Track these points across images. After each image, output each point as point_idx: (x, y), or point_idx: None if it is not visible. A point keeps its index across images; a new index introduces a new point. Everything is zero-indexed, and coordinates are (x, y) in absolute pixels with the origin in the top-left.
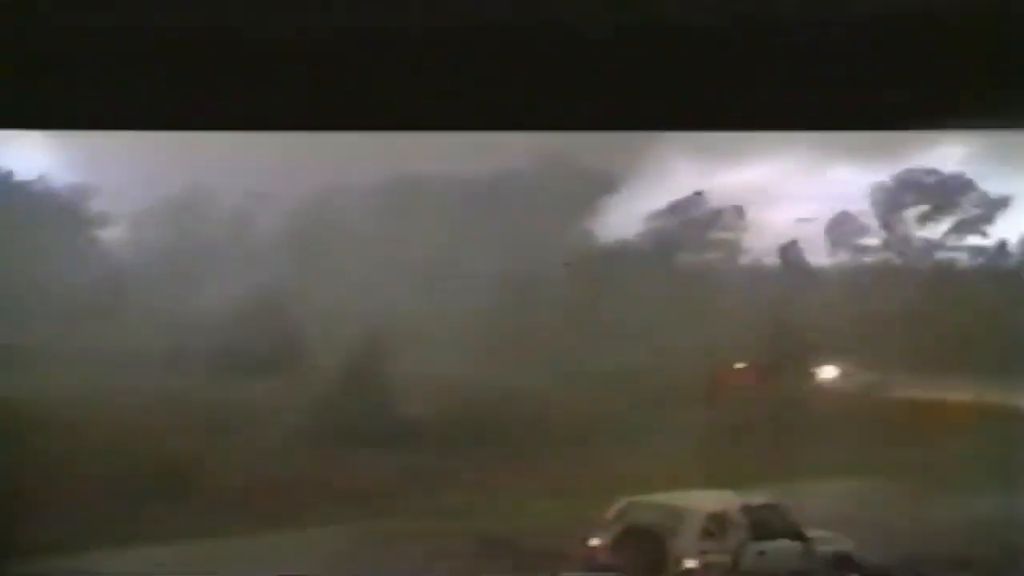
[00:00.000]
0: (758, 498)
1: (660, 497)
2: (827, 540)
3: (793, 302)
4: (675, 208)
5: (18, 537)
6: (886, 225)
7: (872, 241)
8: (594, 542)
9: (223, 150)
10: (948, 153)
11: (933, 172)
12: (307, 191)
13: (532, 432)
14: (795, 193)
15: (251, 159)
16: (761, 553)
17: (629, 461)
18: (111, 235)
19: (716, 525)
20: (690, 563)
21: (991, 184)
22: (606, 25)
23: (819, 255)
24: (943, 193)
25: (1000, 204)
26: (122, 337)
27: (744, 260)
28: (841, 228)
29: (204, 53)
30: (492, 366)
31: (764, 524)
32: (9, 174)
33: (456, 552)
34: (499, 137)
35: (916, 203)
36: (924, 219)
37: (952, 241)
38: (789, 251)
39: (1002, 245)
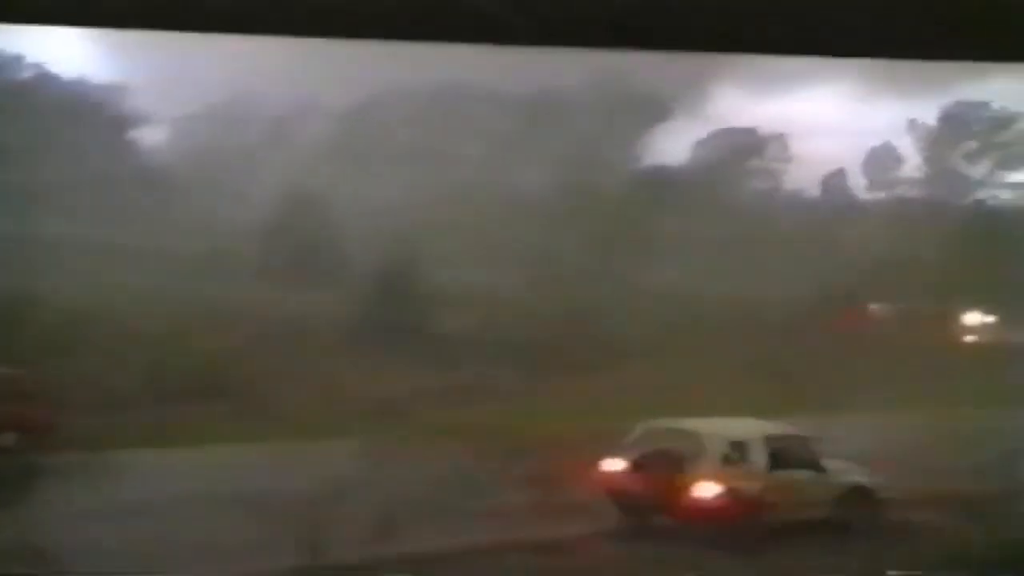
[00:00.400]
0: (780, 427)
1: (681, 422)
2: (843, 472)
3: (833, 233)
4: (721, 136)
5: (56, 433)
6: (929, 159)
7: (914, 175)
8: (612, 464)
9: (269, 56)
10: (998, 88)
11: (983, 105)
12: (350, 100)
13: (569, 351)
14: (840, 125)
15: (295, 67)
16: (779, 482)
17: (660, 383)
18: (153, 136)
19: (736, 452)
20: (709, 488)
21: None
22: None
23: (861, 188)
24: (991, 129)
25: None
26: (158, 238)
27: (787, 189)
28: (883, 162)
29: None
30: (527, 285)
31: (783, 454)
32: (48, 71)
33: (480, 467)
34: (548, 54)
35: (963, 138)
36: (970, 156)
37: (996, 178)
38: (832, 182)
39: None
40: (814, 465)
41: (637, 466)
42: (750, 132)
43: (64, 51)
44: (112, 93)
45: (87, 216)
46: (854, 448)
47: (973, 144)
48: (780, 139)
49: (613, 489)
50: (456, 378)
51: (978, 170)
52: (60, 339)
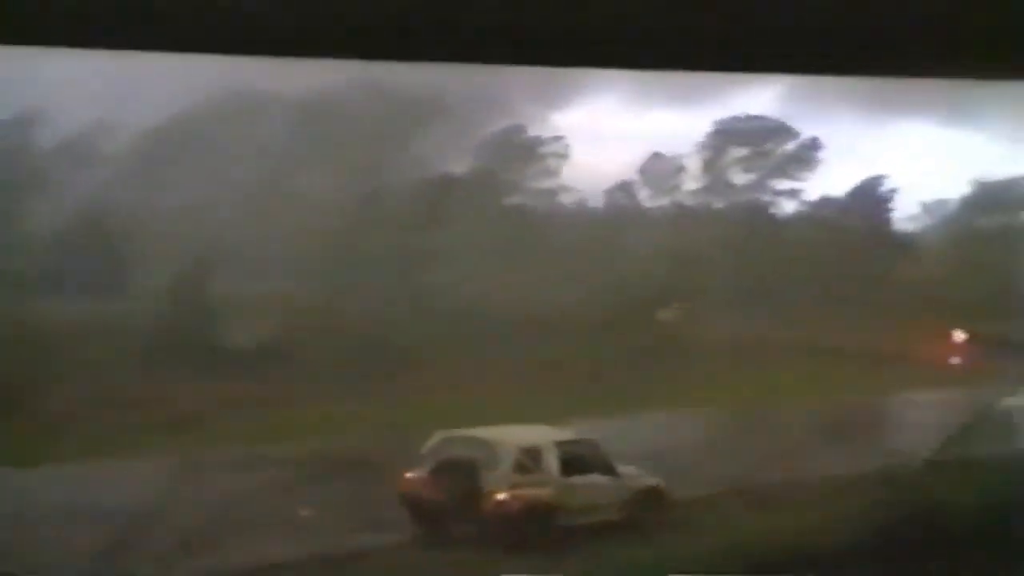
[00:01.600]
0: (571, 434)
1: (475, 431)
2: (635, 475)
3: (620, 241)
4: (499, 141)
5: None
6: (705, 168)
7: (691, 184)
8: (410, 474)
9: (58, 71)
10: (763, 96)
11: (754, 118)
12: (138, 115)
13: (357, 358)
14: (616, 133)
15: (87, 81)
16: (572, 487)
17: (447, 391)
18: None
19: (530, 459)
20: (504, 496)
21: (804, 128)
22: None
23: (640, 196)
24: (761, 137)
25: (813, 148)
26: None
27: (567, 198)
28: (660, 170)
29: None
30: (320, 294)
31: (576, 459)
32: None
33: (276, 479)
34: (327, 62)
35: (735, 147)
36: (742, 164)
37: (769, 185)
38: (613, 192)
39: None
40: (606, 469)
41: (433, 475)
42: (534, 140)
43: None
44: None
45: None
46: (646, 449)
47: (745, 153)
48: (562, 147)
49: (410, 498)
50: (253, 389)
51: (750, 177)
52: None
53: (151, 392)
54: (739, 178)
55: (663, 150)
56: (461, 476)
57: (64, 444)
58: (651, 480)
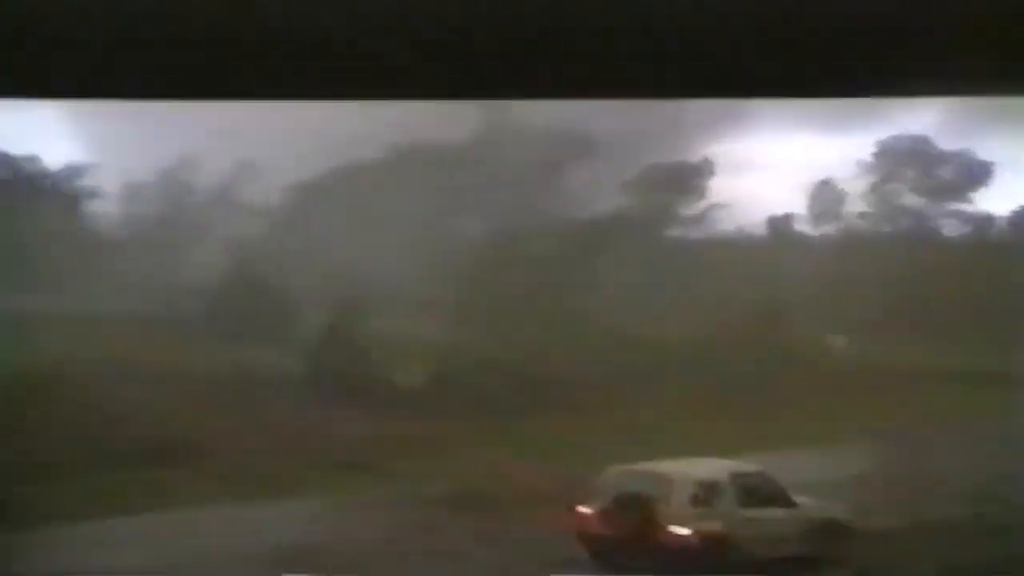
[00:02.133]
0: (747, 465)
1: (649, 465)
2: (815, 507)
3: (780, 270)
4: (660, 175)
5: (8, 507)
6: (870, 192)
7: (856, 208)
8: (583, 510)
9: (212, 121)
10: (928, 119)
11: (919, 139)
12: (288, 161)
13: (518, 396)
14: (776, 162)
15: (237, 130)
16: (750, 520)
17: (618, 427)
18: (101, 203)
19: (706, 492)
20: (680, 530)
21: (974, 150)
22: None
23: (803, 224)
24: (926, 160)
25: (983, 170)
26: (106, 304)
27: (729, 228)
28: (824, 196)
29: (191, 24)
30: (478, 333)
31: (753, 491)
32: None
33: (445, 520)
34: (479, 104)
35: (899, 169)
36: (909, 186)
37: (936, 208)
38: (776, 220)
39: (987, 212)
40: (784, 501)
41: (607, 511)
42: (690, 171)
43: (9, 126)
44: (61, 165)
45: (34, 286)
46: (823, 481)
47: (912, 177)
48: (720, 179)
49: (584, 535)
50: (416, 428)
51: (919, 201)
52: (8, 411)
53: (312, 433)
54: (906, 201)
55: (824, 176)
56: (637, 511)
57: (231, 486)
58: (832, 511)
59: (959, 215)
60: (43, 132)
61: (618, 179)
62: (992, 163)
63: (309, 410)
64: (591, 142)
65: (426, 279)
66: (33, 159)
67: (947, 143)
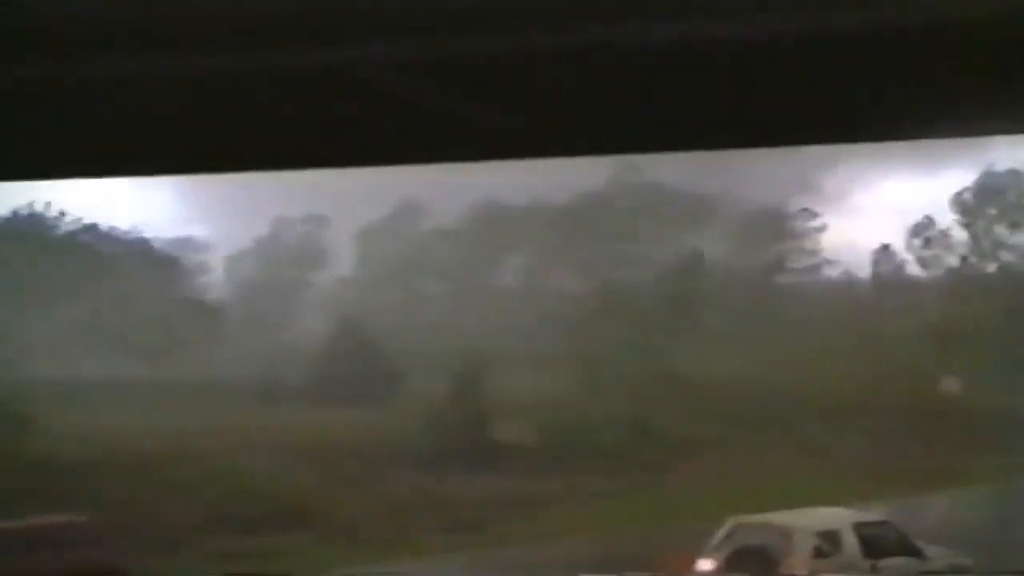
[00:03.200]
0: (870, 514)
1: (769, 516)
2: (942, 555)
3: (886, 311)
4: (759, 224)
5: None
6: (971, 231)
7: (959, 248)
8: (704, 564)
9: (310, 187)
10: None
11: (1011, 173)
12: (389, 224)
13: (631, 451)
14: (875, 204)
15: (335, 195)
16: (876, 570)
17: (736, 477)
18: (206, 273)
19: (828, 543)
20: None
21: None
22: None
23: (908, 264)
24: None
25: None
26: (218, 372)
27: (833, 271)
28: (925, 236)
29: (278, 93)
30: (588, 389)
31: (877, 541)
32: (100, 221)
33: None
34: (573, 160)
35: (999, 207)
36: (1011, 223)
37: None
38: (880, 262)
39: None
40: (910, 550)
41: (729, 565)
42: (789, 218)
43: (116, 201)
44: (162, 240)
45: (146, 355)
46: (943, 528)
47: (1012, 211)
48: (818, 222)
49: None
50: (526, 486)
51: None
52: (127, 479)
53: (427, 496)
54: (1006, 236)
55: (922, 216)
56: (758, 564)
57: (348, 551)
58: (960, 560)
59: None
60: (148, 206)
61: (723, 228)
62: None
63: (420, 472)
64: (692, 194)
65: (535, 336)
66: (139, 233)
67: None
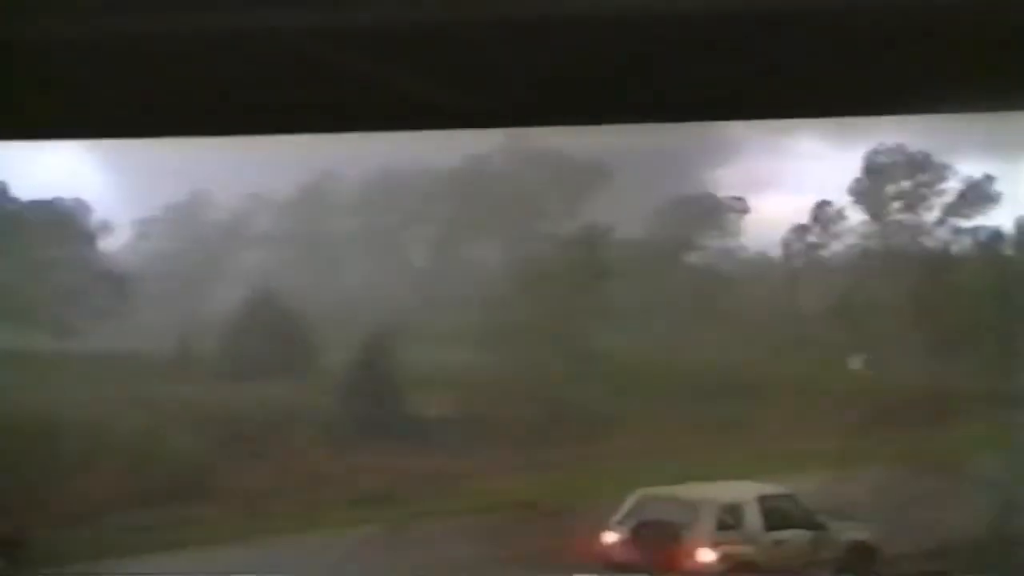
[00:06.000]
0: (774, 488)
1: (673, 489)
2: (843, 528)
3: (791, 291)
4: (672, 200)
5: (33, 547)
6: (870, 211)
7: (857, 227)
8: (609, 537)
9: (220, 155)
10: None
11: (903, 152)
12: (299, 192)
13: (541, 424)
14: (784, 182)
15: (245, 164)
16: (778, 543)
17: (642, 452)
18: (115, 242)
19: (732, 516)
20: (707, 555)
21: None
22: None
23: (817, 244)
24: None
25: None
26: (126, 343)
27: (743, 249)
28: (825, 216)
29: (188, 56)
30: (496, 361)
31: (780, 513)
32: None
33: (468, 553)
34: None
35: (895, 185)
36: (906, 203)
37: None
38: (790, 240)
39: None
40: (812, 523)
41: (633, 537)
42: (694, 197)
43: (21, 166)
44: (72, 204)
45: (53, 326)
46: (841, 504)
47: (900, 190)
48: (728, 199)
49: (611, 562)
50: (439, 460)
51: (914, 216)
52: (30, 450)
53: (340, 469)
54: (904, 217)
55: (825, 196)
56: (662, 535)
57: (257, 523)
58: (860, 533)
59: (961, 230)
60: (55, 171)
61: (631, 205)
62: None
63: (334, 446)
64: (607, 168)
65: (445, 308)
66: (46, 199)
67: (939, 157)
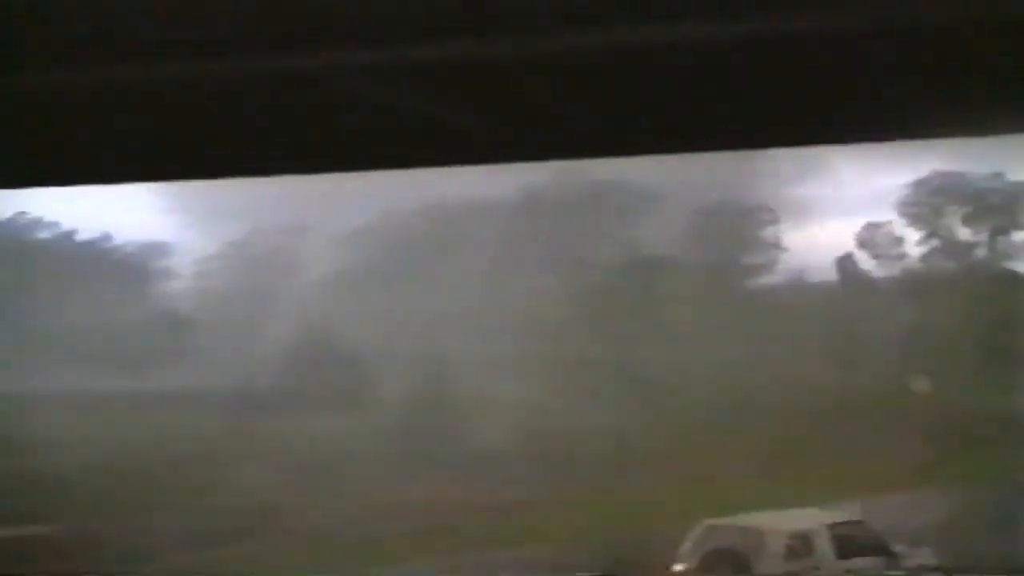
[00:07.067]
0: (843, 515)
1: (740, 518)
2: (914, 554)
3: (847, 314)
4: (718, 226)
5: None
6: (924, 231)
7: (915, 248)
8: (676, 568)
9: (278, 194)
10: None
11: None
12: (357, 229)
13: (599, 454)
14: (832, 206)
15: (300, 203)
16: (848, 571)
17: (701, 480)
18: (175, 281)
19: (800, 544)
20: None
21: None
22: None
23: (869, 266)
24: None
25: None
26: (187, 381)
27: (796, 273)
28: (881, 237)
29: (240, 96)
30: (553, 391)
31: (849, 541)
32: (67, 228)
33: None
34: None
35: (954, 205)
36: (966, 221)
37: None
38: (842, 262)
39: None
40: (883, 550)
41: (701, 567)
42: (744, 221)
43: (82, 208)
44: (132, 245)
45: (114, 366)
46: (914, 529)
47: (968, 210)
48: (778, 226)
49: None
50: (497, 492)
51: (975, 236)
52: (93, 492)
53: (398, 501)
54: (965, 235)
55: (878, 218)
56: (730, 565)
57: (319, 559)
58: (930, 559)
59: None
60: (117, 213)
61: (679, 230)
62: None
63: (392, 478)
64: (657, 195)
65: (500, 339)
66: (106, 239)
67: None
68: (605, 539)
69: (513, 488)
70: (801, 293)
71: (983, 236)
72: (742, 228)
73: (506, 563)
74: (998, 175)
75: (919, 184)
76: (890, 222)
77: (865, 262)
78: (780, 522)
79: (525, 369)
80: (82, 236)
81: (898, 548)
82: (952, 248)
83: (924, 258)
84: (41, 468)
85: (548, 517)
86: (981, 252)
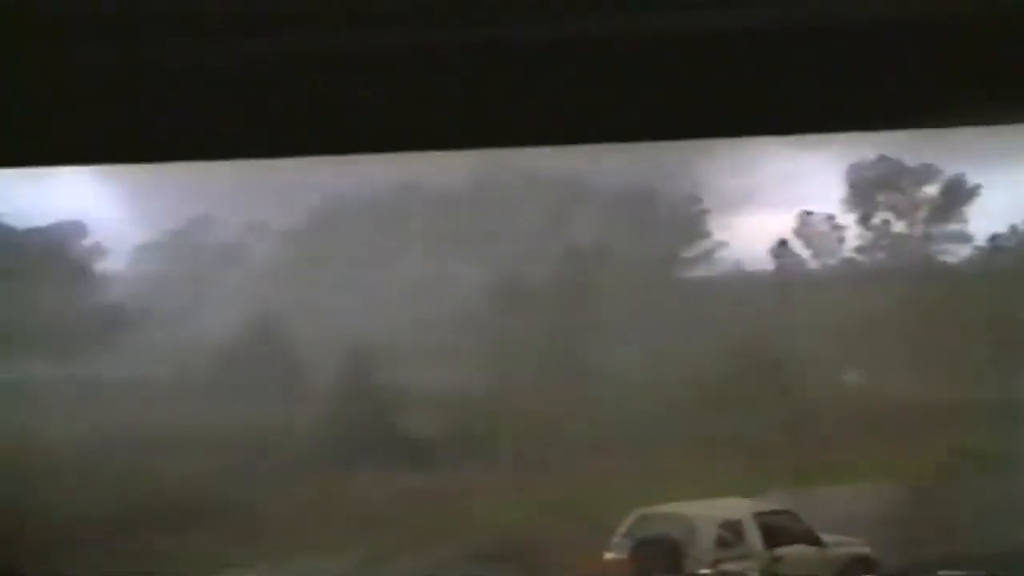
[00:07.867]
0: (771, 504)
1: (672, 507)
2: (842, 543)
3: (784, 305)
4: (657, 216)
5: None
6: (861, 222)
7: (851, 240)
8: (608, 556)
9: (216, 181)
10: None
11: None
12: (294, 217)
13: (534, 443)
14: (765, 197)
15: (240, 188)
16: (776, 559)
17: (637, 471)
18: (110, 268)
19: (730, 533)
20: (706, 572)
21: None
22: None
23: (803, 257)
24: (912, 186)
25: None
26: (121, 370)
27: (727, 264)
28: (816, 228)
29: (189, 83)
30: (491, 381)
31: (778, 530)
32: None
33: (474, 568)
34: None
35: (889, 196)
36: (900, 214)
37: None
38: (776, 254)
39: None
40: (810, 539)
41: (633, 555)
42: (679, 211)
43: (10, 193)
44: (66, 231)
45: (48, 354)
46: (839, 519)
47: (889, 200)
48: (713, 216)
49: None
50: (432, 481)
51: (911, 228)
52: (26, 480)
53: (332, 490)
54: (899, 227)
55: (811, 208)
56: (661, 554)
57: (254, 548)
58: (860, 548)
59: (949, 238)
60: (53, 197)
61: (614, 220)
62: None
63: (331, 468)
64: (590, 186)
65: (434, 329)
66: (40, 226)
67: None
68: (536, 528)
69: (445, 478)
70: (736, 283)
71: (918, 228)
72: (677, 219)
73: (438, 553)
74: (933, 167)
75: (855, 175)
76: (826, 214)
77: (800, 252)
78: (711, 510)
79: (459, 359)
80: (13, 222)
81: (825, 537)
82: (887, 239)
83: (859, 249)
84: None
85: (482, 507)
86: (916, 244)
